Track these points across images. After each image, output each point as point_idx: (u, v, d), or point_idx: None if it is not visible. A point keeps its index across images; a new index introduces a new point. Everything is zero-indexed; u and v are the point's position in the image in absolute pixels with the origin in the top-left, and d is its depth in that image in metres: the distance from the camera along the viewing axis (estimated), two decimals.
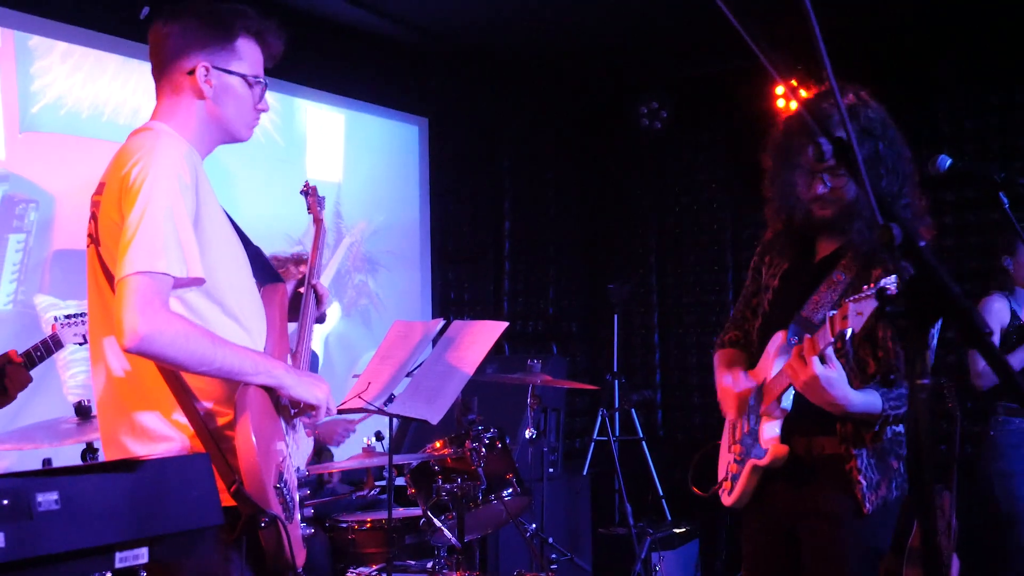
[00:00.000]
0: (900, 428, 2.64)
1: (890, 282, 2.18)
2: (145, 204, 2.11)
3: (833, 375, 2.41)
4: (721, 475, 2.89)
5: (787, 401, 2.61)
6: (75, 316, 3.45)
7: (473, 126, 6.79)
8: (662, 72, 6.72)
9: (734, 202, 6.92)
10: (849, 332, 2.30)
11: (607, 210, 7.47)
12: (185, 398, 2.18)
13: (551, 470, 5.36)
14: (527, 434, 4.64)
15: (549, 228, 7.33)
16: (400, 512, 4.18)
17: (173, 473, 1.85)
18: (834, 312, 2.36)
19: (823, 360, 2.41)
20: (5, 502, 1.55)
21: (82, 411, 3.42)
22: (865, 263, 2.60)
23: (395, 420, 3.71)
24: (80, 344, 3.47)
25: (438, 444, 3.92)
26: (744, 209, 6.77)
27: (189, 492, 1.85)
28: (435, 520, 3.79)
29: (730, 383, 2.78)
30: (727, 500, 2.82)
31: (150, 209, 2.11)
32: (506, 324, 3.71)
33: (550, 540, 4.67)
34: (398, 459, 3.80)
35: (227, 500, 2.10)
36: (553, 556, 4.73)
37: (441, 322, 3.77)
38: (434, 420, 3.52)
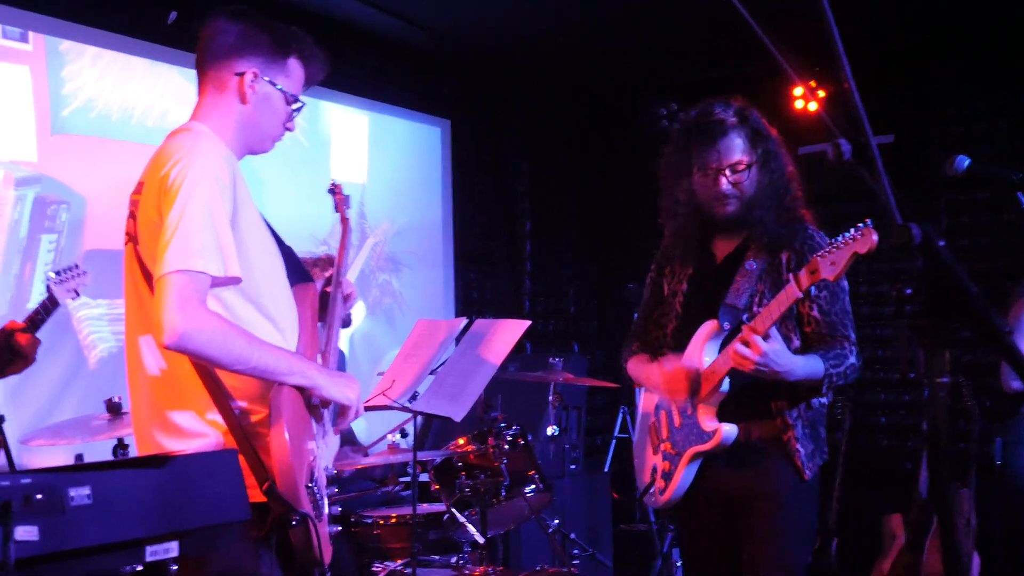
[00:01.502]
0: (825, 400, 2.79)
1: (869, 224, 2.39)
2: (184, 204, 2.13)
3: (777, 347, 2.56)
4: (646, 479, 2.93)
5: (726, 385, 2.71)
6: (65, 271, 3.41)
7: (494, 129, 6.82)
8: (680, 74, 6.71)
9: None
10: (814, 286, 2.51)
11: (625, 211, 7.46)
12: (220, 396, 2.19)
13: (572, 466, 5.37)
14: (549, 431, 4.67)
15: (569, 229, 7.34)
16: (424, 508, 4.20)
17: (201, 469, 1.88)
18: (800, 272, 2.51)
19: (766, 338, 2.54)
20: (39, 497, 1.56)
21: (113, 407, 3.47)
22: (771, 249, 2.77)
23: (419, 417, 3.73)
24: (73, 299, 3.42)
25: (461, 441, 3.94)
26: None
27: (217, 487, 1.87)
28: (459, 516, 3.82)
29: (669, 367, 2.82)
30: (660, 500, 2.86)
31: (189, 209, 2.12)
32: (528, 323, 3.73)
33: (572, 536, 4.69)
34: (422, 455, 3.83)
35: (257, 497, 2.12)
36: (575, 551, 4.74)
37: (464, 321, 3.79)
38: (457, 417, 3.54)
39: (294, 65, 2.44)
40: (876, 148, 1.52)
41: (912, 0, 5.39)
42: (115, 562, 1.72)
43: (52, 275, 3.42)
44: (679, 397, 2.82)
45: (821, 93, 5.08)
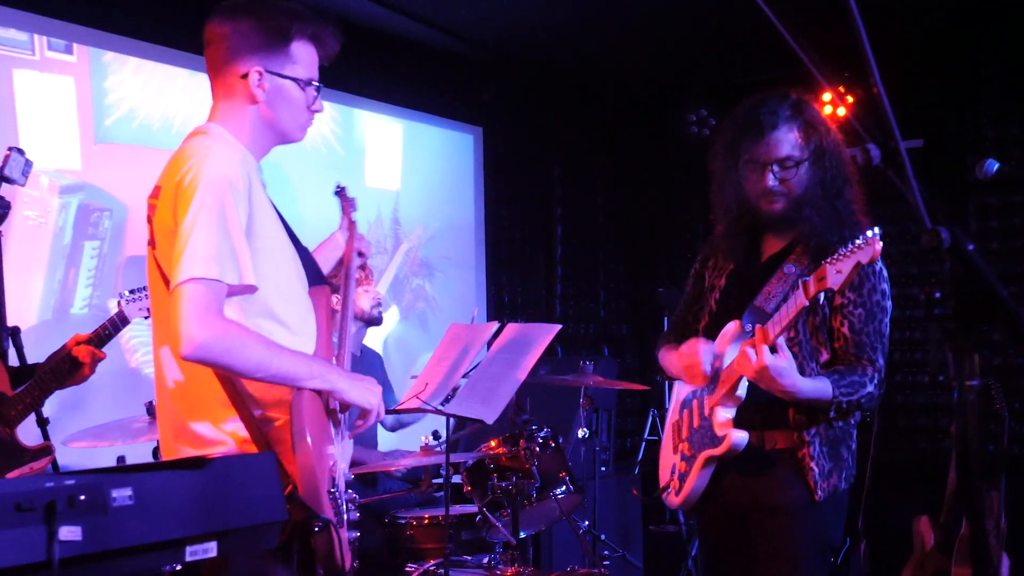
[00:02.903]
0: (852, 420, 2.67)
1: (876, 234, 2.28)
2: (197, 211, 2.08)
3: (782, 364, 2.43)
4: (665, 478, 2.85)
5: (742, 389, 2.59)
6: (138, 291, 3.45)
7: (525, 135, 6.84)
8: (710, 79, 6.70)
9: None
10: (820, 296, 2.36)
11: (656, 216, 7.46)
12: (240, 404, 2.16)
13: (603, 468, 5.38)
14: (580, 433, 4.68)
15: (599, 233, 7.35)
16: (457, 509, 4.23)
17: (240, 470, 1.87)
18: (807, 278, 2.38)
19: (773, 350, 2.43)
20: (83, 497, 1.56)
21: (153, 411, 3.52)
22: (815, 255, 2.60)
23: (451, 420, 3.76)
24: (145, 318, 3.44)
25: (493, 443, 3.96)
26: None
27: (255, 488, 1.86)
28: (491, 517, 3.84)
29: (687, 349, 2.71)
30: (675, 501, 2.78)
31: (203, 216, 2.08)
32: (559, 327, 3.74)
33: (602, 537, 4.70)
34: (454, 457, 3.85)
35: None
36: (605, 552, 4.75)
37: (496, 325, 3.81)
38: (489, 420, 3.55)
39: (299, 48, 2.32)
40: (905, 152, 1.52)
41: (942, 3, 5.35)
42: (156, 562, 1.71)
43: (126, 293, 3.46)
44: (696, 382, 2.73)
45: (850, 98, 5.03)
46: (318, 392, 2.22)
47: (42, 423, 3.47)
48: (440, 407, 3.55)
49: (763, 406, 2.59)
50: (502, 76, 6.46)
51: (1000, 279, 1.43)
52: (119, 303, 3.47)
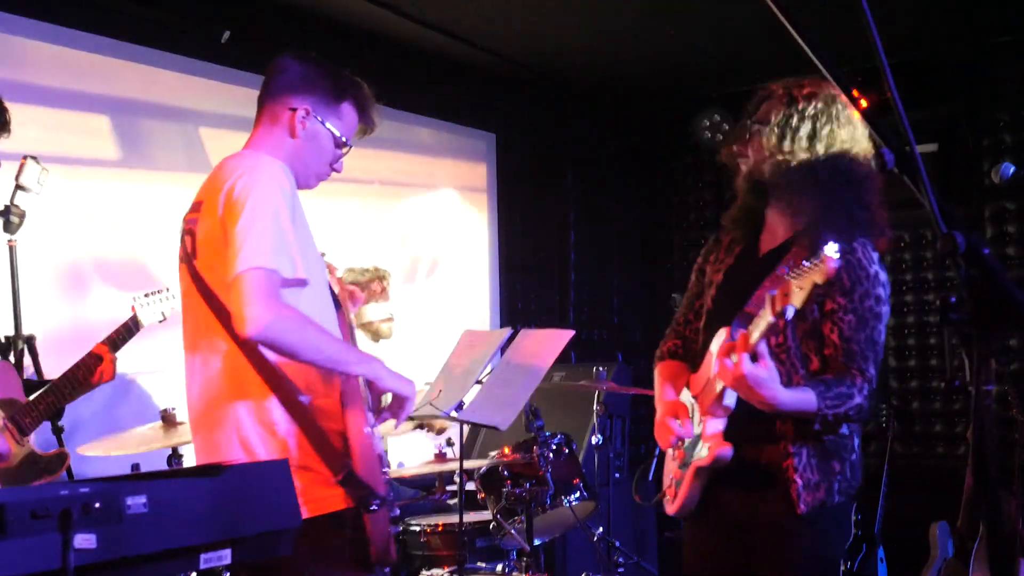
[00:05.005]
0: (845, 431, 2.54)
1: (833, 251, 2.15)
2: (255, 210, 2.21)
3: (762, 374, 2.31)
4: (666, 483, 2.80)
5: (730, 399, 2.48)
6: (153, 293, 3.46)
7: (539, 141, 6.84)
8: (726, 84, 6.69)
9: None
10: (792, 310, 2.22)
11: (669, 221, 7.45)
12: (287, 392, 2.24)
13: (617, 475, 5.37)
14: (593, 440, 4.68)
15: (613, 239, 7.34)
16: (471, 516, 4.23)
17: (254, 478, 1.89)
18: (774, 292, 2.28)
19: (755, 358, 2.32)
20: (97, 505, 1.57)
21: (167, 418, 3.53)
22: (814, 253, 2.46)
23: (465, 426, 3.76)
24: (160, 322, 3.48)
25: (507, 449, 3.97)
26: None
27: (269, 496, 1.88)
28: (504, 524, 3.84)
29: (664, 406, 2.72)
30: (670, 509, 2.71)
31: (260, 214, 2.21)
32: (573, 332, 3.74)
33: (617, 544, 4.68)
34: (468, 464, 3.86)
35: (334, 504, 2.19)
36: (620, 559, 4.74)
37: (509, 331, 3.81)
38: (503, 426, 3.56)
39: (347, 109, 2.52)
40: (920, 156, 1.52)
41: (958, 4, 5.33)
42: (170, 569, 1.71)
43: (140, 296, 3.47)
44: (662, 444, 2.71)
45: (864, 102, 5.01)
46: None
47: (57, 431, 3.48)
48: (453, 413, 3.55)
49: (754, 417, 2.47)
50: (515, 83, 6.47)
51: (1017, 284, 1.42)
52: (132, 307, 3.47)
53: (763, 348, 2.32)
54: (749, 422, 2.50)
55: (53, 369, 3.52)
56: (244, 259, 2.16)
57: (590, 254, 7.13)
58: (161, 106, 4.65)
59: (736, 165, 2.75)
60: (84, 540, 1.56)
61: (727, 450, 2.50)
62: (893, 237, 2.63)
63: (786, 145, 2.57)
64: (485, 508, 4.05)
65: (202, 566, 1.77)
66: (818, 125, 2.58)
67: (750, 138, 2.66)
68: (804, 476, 2.48)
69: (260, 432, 2.26)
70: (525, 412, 4.07)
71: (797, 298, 2.21)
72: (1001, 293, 1.39)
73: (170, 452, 3.57)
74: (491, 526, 3.96)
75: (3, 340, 3.57)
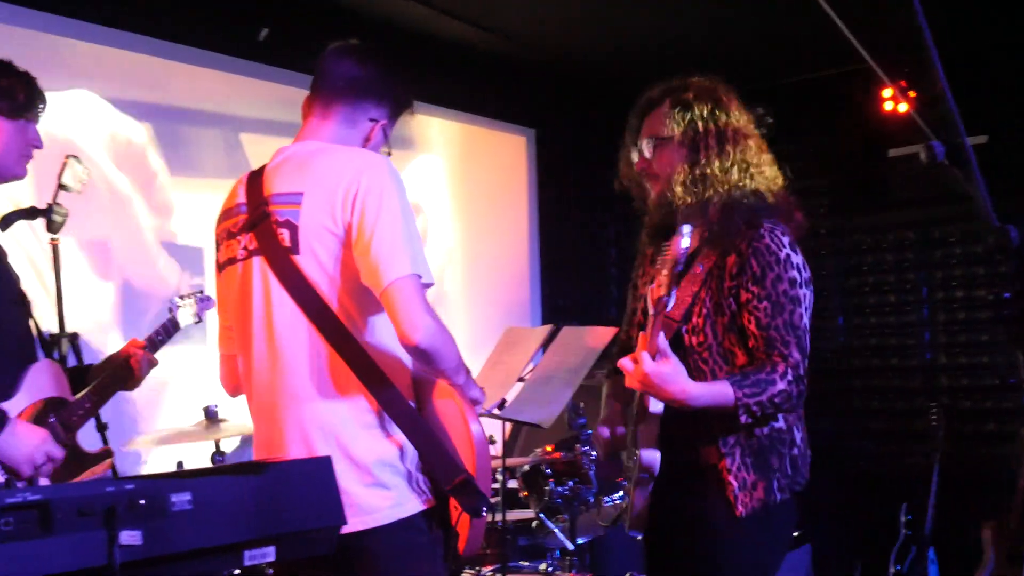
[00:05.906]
0: (782, 424, 2.43)
1: (686, 232, 2.19)
2: (393, 214, 2.17)
3: (665, 369, 2.24)
4: (625, 502, 2.67)
5: (655, 405, 2.37)
6: (189, 296, 3.44)
7: (578, 137, 6.82)
8: (769, 78, 6.62)
9: (833, 208, 6.71)
10: (668, 301, 2.23)
11: None
12: (394, 399, 2.20)
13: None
14: None
15: None
16: (513, 514, 4.22)
17: (297, 475, 1.90)
18: (653, 284, 2.27)
19: (654, 356, 2.25)
20: (142, 502, 1.58)
21: (210, 415, 3.55)
22: (721, 252, 2.46)
23: (507, 424, 3.75)
24: (197, 323, 3.48)
25: (549, 447, 3.95)
26: (841, 217, 6.51)
27: (313, 493, 1.88)
28: (547, 522, 3.83)
29: (605, 435, 2.67)
30: (626, 526, 2.59)
31: (400, 219, 2.18)
32: (615, 329, 3.71)
33: None
34: (510, 462, 3.85)
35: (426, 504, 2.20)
36: None
37: (551, 328, 3.80)
38: (545, 424, 3.55)
39: (401, 121, 2.52)
40: (971, 149, 1.49)
41: None
42: (214, 566, 1.73)
43: (177, 299, 3.49)
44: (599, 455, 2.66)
45: (912, 94, 4.94)
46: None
47: (101, 428, 3.50)
48: (495, 411, 3.55)
49: (686, 420, 2.37)
50: (555, 78, 6.45)
51: None
52: (170, 308, 3.48)
53: (663, 344, 2.26)
54: (681, 425, 2.40)
55: None
56: (399, 265, 2.14)
57: (631, 251, 7.06)
58: (201, 112, 4.69)
59: (640, 184, 2.76)
60: (129, 537, 1.58)
61: (652, 457, 2.41)
62: (804, 221, 2.59)
63: (700, 156, 2.57)
64: (527, 506, 4.04)
65: (246, 563, 1.78)
66: (719, 123, 2.64)
67: (655, 153, 2.65)
68: (739, 477, 2.40)
69: (368, 434, 2.21)
70: (567, 410, 4.05)
71: (665, 287, 2.22)
72: None
73: (214, 449, 3.60)
74: (533, 524, 3.95)
75: (48, 338, 3.61)
